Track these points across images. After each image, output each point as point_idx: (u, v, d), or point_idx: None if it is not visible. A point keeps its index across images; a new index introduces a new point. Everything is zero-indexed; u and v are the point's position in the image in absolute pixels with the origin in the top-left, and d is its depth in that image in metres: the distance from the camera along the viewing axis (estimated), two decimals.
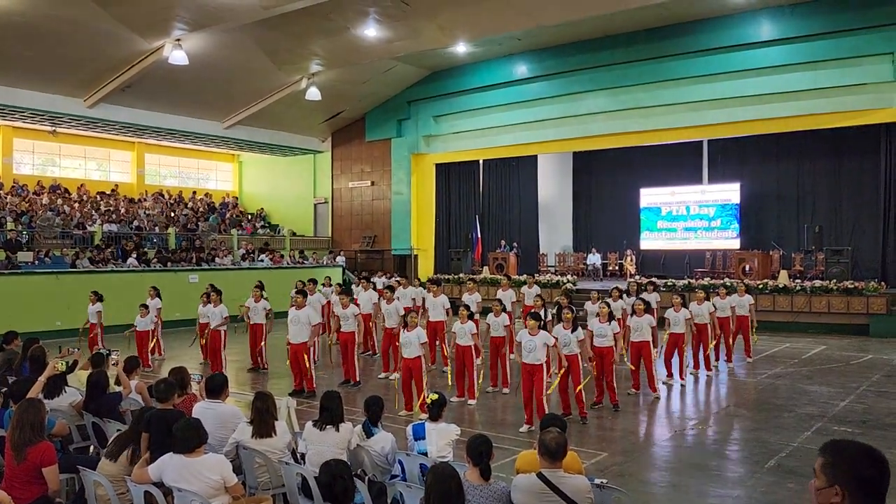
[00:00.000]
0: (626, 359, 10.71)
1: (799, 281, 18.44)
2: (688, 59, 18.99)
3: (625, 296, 12.77)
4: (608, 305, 10.24)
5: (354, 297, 13.76)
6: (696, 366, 12.22)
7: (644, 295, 12.50)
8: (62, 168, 26.01)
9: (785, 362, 13.26)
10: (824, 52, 17.37)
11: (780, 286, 17.86)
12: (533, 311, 9.56)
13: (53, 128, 23.44)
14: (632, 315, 10.79)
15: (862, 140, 20.10)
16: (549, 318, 11.81)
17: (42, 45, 16.99)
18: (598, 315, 9.96)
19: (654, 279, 17.97)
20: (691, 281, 19.28)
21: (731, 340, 13.01)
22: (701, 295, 12.35)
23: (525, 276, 18.69)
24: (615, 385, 9.74)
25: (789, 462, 7.17)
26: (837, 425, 8.59)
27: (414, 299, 14.13)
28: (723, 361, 12.98)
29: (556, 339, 8.91)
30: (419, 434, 5.48)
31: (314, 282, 14.50)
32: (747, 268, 19.59)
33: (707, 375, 12.13)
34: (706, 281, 18.84)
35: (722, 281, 18.33)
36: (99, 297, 14.03)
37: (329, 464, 4.06)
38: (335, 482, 3.92)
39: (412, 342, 9.38)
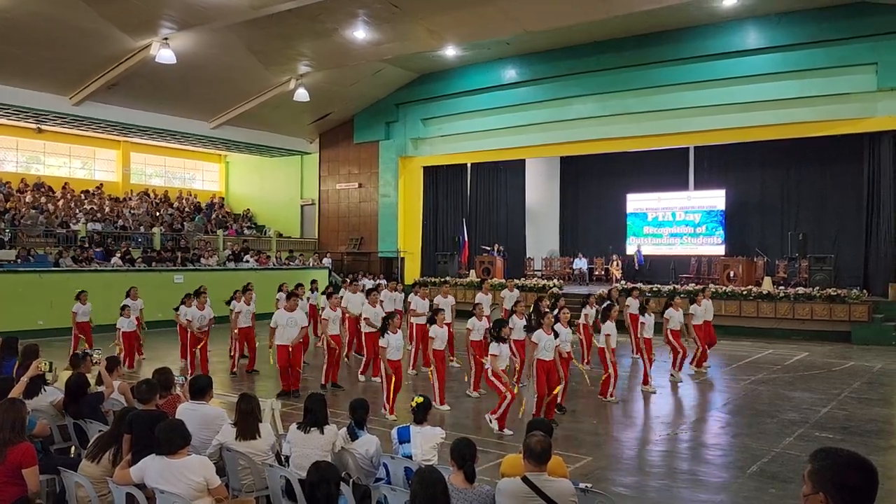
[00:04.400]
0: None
1: (782, 288, 18.59)
2: (675, 66, 19.11)
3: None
4: (569, 311, 10.30)
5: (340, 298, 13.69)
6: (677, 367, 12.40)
7: (629, 300, 12.64)
8: (46, 166, 25.78)
9: (768, 368, 13.35)
10: (810, 61, 17.53)
11: (764, 293, 17.99)
12: (499, 319, 9.49)
13: (38, 125, 23.23)
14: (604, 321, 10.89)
15: (845, 149, 20.33)
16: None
17: (28, 43, 16.84)
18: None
19: (639, 285, 18.11)
20: (676, 287, 19.40)
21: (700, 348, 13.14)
22: (678, 301, 12.53)
23: (506, 279, 18.69)
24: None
25: (771, 467, 7.22)
26: (819, 431, 8.66)
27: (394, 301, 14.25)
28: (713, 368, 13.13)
29: (536, 343, 8.93)
30: (404, 437, 5.48)
31: (301, 286, 14.48)
32: (732, 274, 19.71)
33: (681, 380, 12.24)
34: (690, 287, 18.96)
35: (704, 286, 18.46)
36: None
37: (318, 465, 4.05)
38: (321, 486, 3.90)
39: (401, 345, 9.47)
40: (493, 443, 8.07)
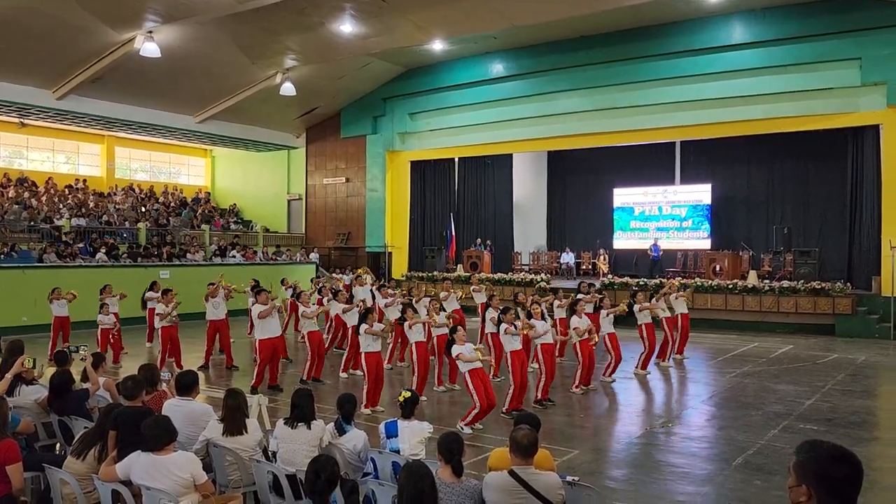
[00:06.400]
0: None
1: (767, 281, 18.73)
2: (661, 61, 19.18)
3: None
4: (540, 305, 10.42)
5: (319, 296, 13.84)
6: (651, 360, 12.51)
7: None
8: (29, 161, 25.50)
9: (753, 361, 13.46)
10: (794, 56, 17.65)
11: (749, 286, 18.11)
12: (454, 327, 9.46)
13: (21, 119, 22.95)
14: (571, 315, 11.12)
15: (830, 144, 20.46)
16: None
17: (10, 36, 16.61)
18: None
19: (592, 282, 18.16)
20: (663, 280, 19.47)
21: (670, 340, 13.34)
22: (641, 297, 12.71)
23: (474, 276, 18.61)
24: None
25: (757, 459, 7.28)
26: (804, 423, 8.74)
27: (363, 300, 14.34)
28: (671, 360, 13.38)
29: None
30: (392, 432, 5.49)
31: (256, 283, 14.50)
32: (717, 268, 19.84)
33: (663, 371, 12.33)
34: (678, 280, 19.03)
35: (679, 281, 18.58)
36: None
37: (318, 459, 4.04)
38: (307, 477, 3.90)
39: (375, 338, 9.52)
40: (481, 437, 8.09)
